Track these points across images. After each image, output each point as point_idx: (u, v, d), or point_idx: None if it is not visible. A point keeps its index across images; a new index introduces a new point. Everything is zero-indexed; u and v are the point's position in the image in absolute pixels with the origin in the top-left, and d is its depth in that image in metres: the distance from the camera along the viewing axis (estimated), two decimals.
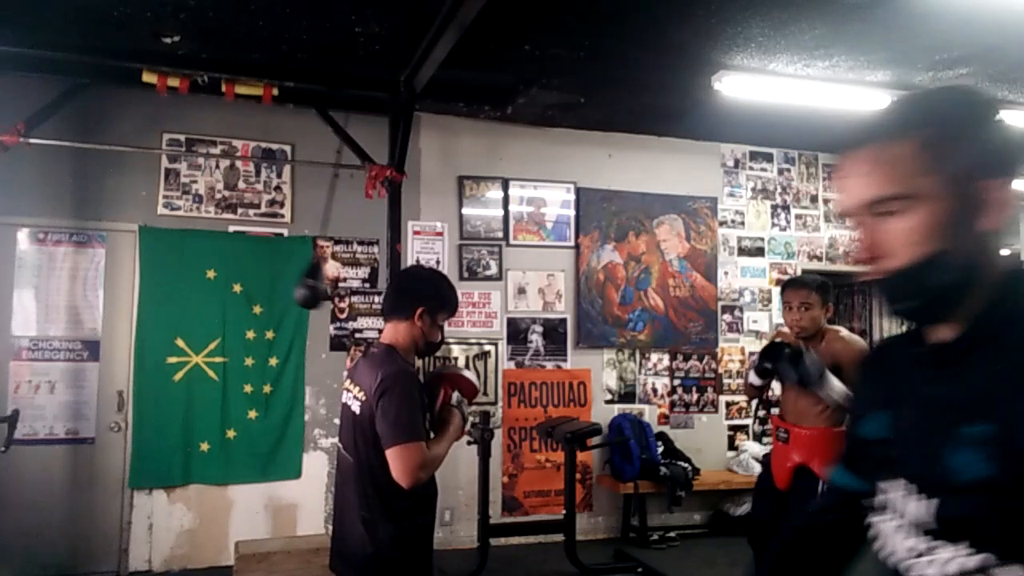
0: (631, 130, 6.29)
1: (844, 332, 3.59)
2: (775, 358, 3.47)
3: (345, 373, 2.56)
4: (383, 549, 2.24)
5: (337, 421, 5.45)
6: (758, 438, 6.52)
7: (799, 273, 6.77)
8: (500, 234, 5.99)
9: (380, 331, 5.49)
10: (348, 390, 2.43)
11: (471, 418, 2.52)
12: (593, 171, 6.24)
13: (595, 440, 5.45)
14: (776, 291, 6.70)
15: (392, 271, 4.98)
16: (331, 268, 5.56)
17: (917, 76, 4.87)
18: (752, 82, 4.87)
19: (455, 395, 2.54)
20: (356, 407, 2.32)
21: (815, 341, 3.55)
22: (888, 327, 7.10)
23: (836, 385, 3.32)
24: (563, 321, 6.09)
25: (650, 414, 6.27)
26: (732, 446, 6.47)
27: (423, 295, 2.42)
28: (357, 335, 5.60)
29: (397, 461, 2.17)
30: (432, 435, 2.41)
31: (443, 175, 5.90)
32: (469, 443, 4.93)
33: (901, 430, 1.08)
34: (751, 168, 6.72)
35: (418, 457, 2.18)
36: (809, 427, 3.55)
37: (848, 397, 3.22)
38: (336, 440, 5.47)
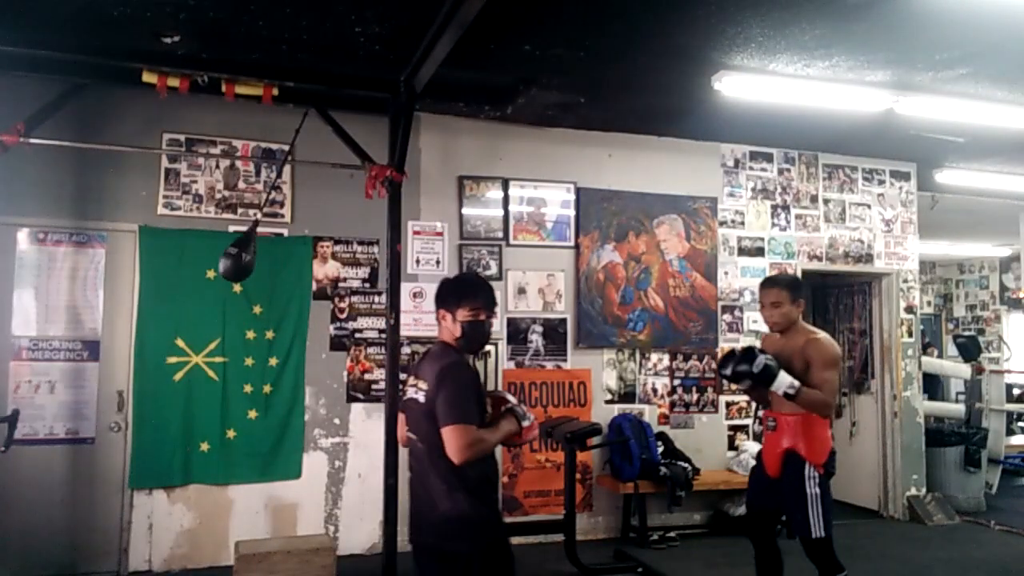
0: (631, 130, 6.29)
1: (822, 335, 3.75)
2: (725, 365, 3.79)
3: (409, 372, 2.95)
4: (463, 517, 2.58)
5: (337, 421, 5.50)
6: (758, 438, 6.51)
7: (799, 273, 6.78)
8: (500, 234, 5.99)
9: (381, 331, 5.55)
10: (413, 385, 2.74)
11: (528, 417, 2.82)
12: (593, 171, 6.24)
13: (595, 440, 5.45)
14: None
15: (392, 271, 4.98)
16: (330, 268, 5.57)
17: (917, 76, 4.87)
18: (752, 82, 4.87)
19: (512, 399, 2.84)
20: (422, 397, 2.64)
21: (792, 337, 3.79)
22: (888, 327, 7.10)
23: (785, 379, 3.54)
24: (563, 321, 6.09)
25: (650, 414, 6.27)
26: (732, 446, 6.47)
27: (439, 298, 2.81)
28: (357, 335, 5.60)
29: (449, 438, 2.51)
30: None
31: (443, 175, 5.90)
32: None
33: None
34: (751, 168, 6.72)
35: (467, 436, 2.51)
36: (795, 413, 3.72)
37: (794, 385, 3.53)
38: (334, 440, 5.50)
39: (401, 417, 2.88)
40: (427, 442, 2.62)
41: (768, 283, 3.95)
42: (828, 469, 3.71)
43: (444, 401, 2.54)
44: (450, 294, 2.79)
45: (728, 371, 3.74)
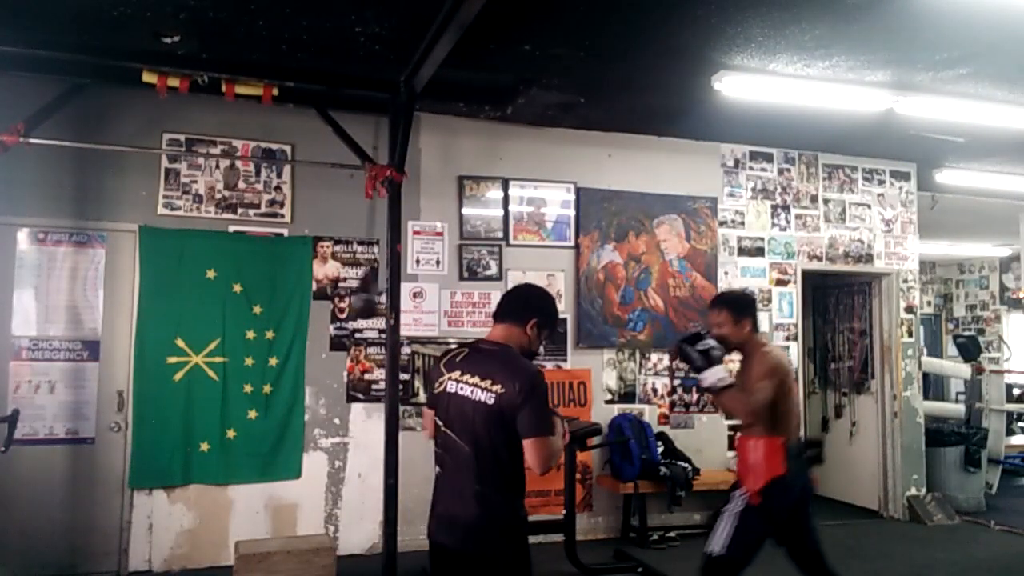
0: (631, 130, 6.29)
1: (767, 349, 3.56)
2: (678, 344, 3.58)
3: (439, 363, 2.76)
4: (498, 519, 2.53)
5: (337, 421, 5.49)
6: None
7: (799, 273, 6.79)
8: (500, 234, 5.99)
9: (381, 331, 5.55)
10: (463, 381, 2.60)
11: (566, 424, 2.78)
12: (593, 171, 6.24)
13: (595, 440, 5.45)
14: (776, 291, 6.72)
15: (392, 271, 4.98)
16: (330, 268, 5.57)
17: (917, 76, 4.87)
18: (752, 82, 4.87)
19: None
20: (487, 397, 2.51)
21: (747, 356, 3.57)
22: (888, 327, 7.10)
23: (715, 372, 3.36)
24: (563, 321, 6.09)
25: (650, 414, 6.27)
26: (732, 446, 6.47)
27: (539, 308, 2.74)
28: (357, 335, 5.60)
29: (538, 450, 2.44)
30: None
31: (443, 175, 5.90)
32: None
33: None
34: (751, 168, 6.72)
35: (555, 448, 2.50)
36: (746, 436, 3.53)
37: (723, 382, 3.34)
38: (334, 440, 5.50)
39: (428, 412, 2.76)
40: (482, 445, 2.51)
41: (711, 303, 3.76)
42: (766, 499, 3.36)
43: (534, 411, 2.45)
44: (551, 311, 2.80)
45: (677, 345, 3.57)
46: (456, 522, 2.57)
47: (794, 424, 3.50)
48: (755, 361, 3.48)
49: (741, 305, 3.64)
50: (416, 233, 5.78)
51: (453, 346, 2.87)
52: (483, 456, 2.50)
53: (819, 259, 6.90)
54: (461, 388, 2.59)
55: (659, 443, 6.03)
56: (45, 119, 4.72)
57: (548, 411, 2.53)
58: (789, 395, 3.44)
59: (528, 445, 2.46)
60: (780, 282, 6.73)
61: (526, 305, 2.74)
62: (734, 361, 3.75)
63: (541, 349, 2.81)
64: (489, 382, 2.53)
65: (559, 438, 2.59)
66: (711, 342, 3.45)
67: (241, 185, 5.44)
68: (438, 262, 5.81)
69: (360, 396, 5.57)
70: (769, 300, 6.68)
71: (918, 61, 4.64)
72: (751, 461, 3.44)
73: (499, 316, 2.74)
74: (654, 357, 6.33)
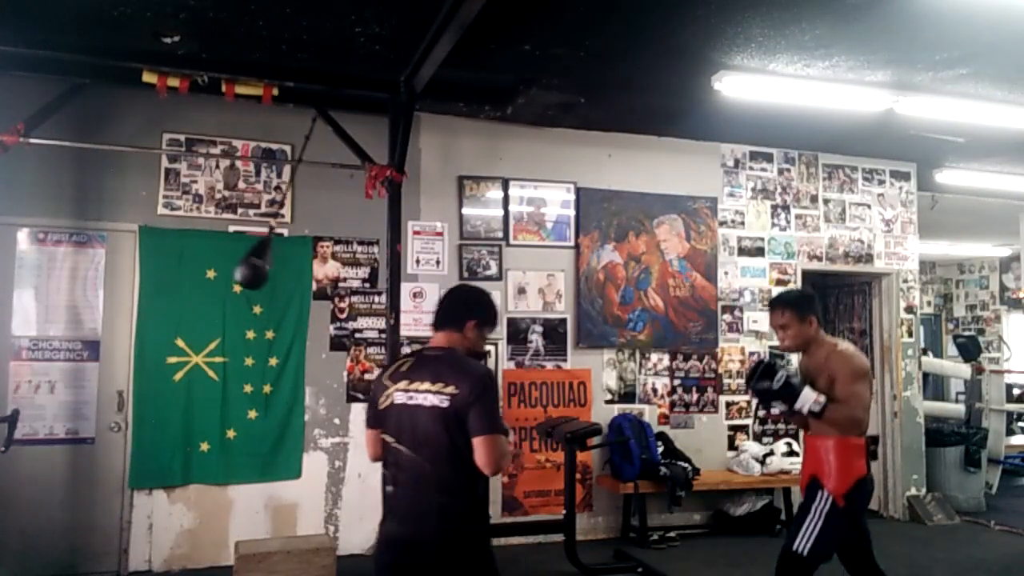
0: (631, 130, 6.29)
1: (844, 346, 3.49)
2: (750, 380, 3.52)
3: (384, 376, 2.67)
4: (462, 532, 2.46)
5: (337, 421, 5.49)
6: (758, 438, 6.52)
7: (799, 273, 6.79)
8: (500, 234, 5.99)
9: (381, 331, 5.55)
10: (412, 390, 2.52)
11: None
12: (593, 171, 6.24)
13: (595, 440, 5.45)
14: (776, 291, 6.70)
15: (392, 271, 4.98)
16: (330, 268, 5.57)
17: (917, 76, 4.87)
18: (752, 82, 4.87)
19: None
20: (440, 401, 2.46)
21: (814, 353, 3.51)
22: (888, 327, 7.10)
23: (809, 396, 3.31)
24: (563, 321, 6.09)
25: (650, 414, 6.26)
26: (732, 446, 6.47)
27: (475, 309, 2.68)
28: (357, 335, 5.60)
29: (489, 448, 2.41)
30: None
31: (443, 175, 5.90)
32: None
33: None
34: (751, 168, 6.72)
35: (504, 447, 2.47)
36: (818, 436, 3.47)
37: (820, 402, 3.29)
38: (334, 440, 5.50)
39: (371, 433, 2.64)
40: (441, 453, 2.44)
41: (771, 305, 3.67)
42: (849, 502, 3.33)
43: (484, 409, 2.42)
44: (488, 310, 2.73)
45: (753, 389, 3.50)
46: (415, 539, 2.47)
47: (868, 421, 3.46)
48: (836, 363, 3.38)
49: (804, 303, 3.53)
50: (416, 233, 5.78)
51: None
52: (443, 465, 2.44)
53: (819, 259, 6.90)
54: (411, 397, 2.51)
55: (659, 443, 6.03)
56: (45, 119, 4.72)
57: (497, 409, 2.50)
58: (871, 394, 3.44)
59: (478, 443, 2.41)
60: (780, 282, 6.72)
61: (461, 309, 2.68)
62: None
63: (487, 348, 2.79)
64: (441, 385, 2.48)
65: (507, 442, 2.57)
66: (787, 370, 3.37)
67: (241, 185, 5.44)
68: (438, 262, 5.81)
69: (360, 396, 5.56)
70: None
71: (918, 61, 4.64)
72: (833, 462, 3.35)
73: (437, 324, 2.68)
74: (654, 357, 6.33)
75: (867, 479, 3.39)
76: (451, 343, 2.62)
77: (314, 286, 5.53)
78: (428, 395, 2.48)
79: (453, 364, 2.53)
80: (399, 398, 2.54)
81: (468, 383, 2.44)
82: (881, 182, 7.16)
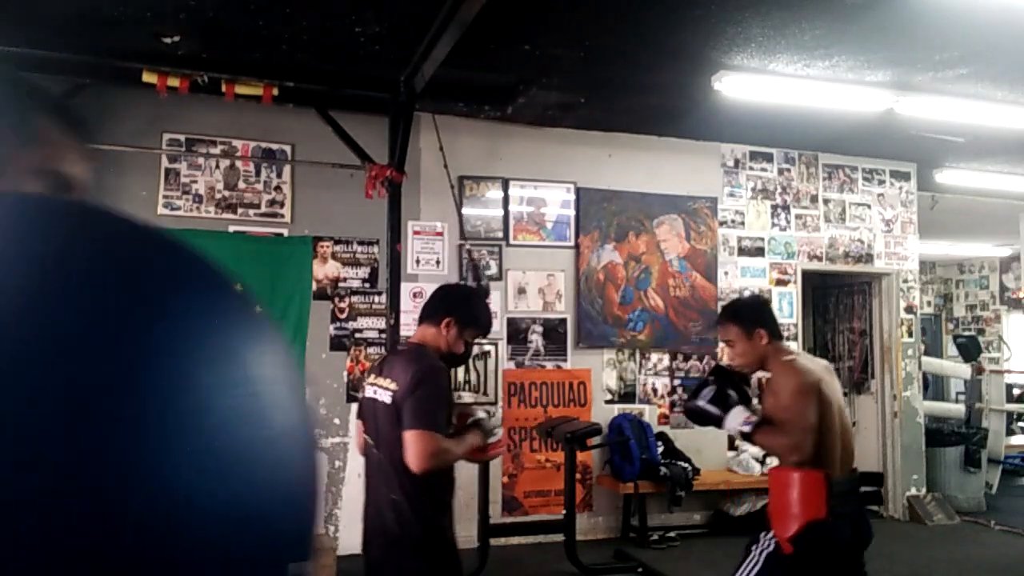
0: (631, 130, 6.29)
1: (788, 359, 2.80)
2: (684, 407, 3.15)
3: (366, 371, 2.72)
4: (412, 534, 2.39)
5: (337, 421, 5.49)
6: None
7: (799, 273, 6.79)
8: (500, 234, 5.99)
9: (381, 331, 5.55)
10: (375, 384, 2.53)
11: (495, 433, 2.64)
12: (593, 171, 6.24)
13: (595, 440, 5.45)
14: (776, 291, 6.71)
15: (392, 271, 4.98)
16: (330, 268, 5.57)
17: (917, 76, 4.87)
18: (752, 82, 4.87)
19: (480, 413, 2.68)
20: (387, 397, 2.44)
21: (770, 370, 2.86)
22: (888, 327, 7.10)
23: (736, 418, 2.78)
24: (563, 321, 6.09)
25: (650, 414, 6.26)
26: (732, 446, 6.47)
27: (454, 307, 2.59)
28: (357, 335, 5.60)
29: (412, 444, 2.30)
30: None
31: (443, 175, 5.90)
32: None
33: None
34: (751, 168, 6.72)
35: (431, 445, 2.31)
36: (778, 468, 2.85)
37: (748, 424, 2.74)
38: (334, 440, 5.49)
39: (357, 423, 2.67)
40: (387, 448, 2.41)
41: (718, 321, 3.07)
42: (800, 550, 2.61)
43: (415, 403, 2.33)
44: (470, 310, 2.61)
45: (684, 408, 3.06)
46: (377, 534, 2.48)
47: (838, 452, 2.72)
48: (776, 378, 2.78)
49: (749, 313, 2.94)
50: (416, 233, 5.78)
51: None
52: (396, 462, 2.36)
53: (819, 259, 6.90)
54: (375, 392, 2.51)
55: (659, 443, 6.03)
56: None
57: (432, 405, 2.36)
58: (827, 415, 2.69)
59: (405, 438, 2.31)
60: (780, 282, 6.73)
61: (439, 304, 2.61)
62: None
63: (470, 350, 2.66)
64: (389, 380, 2.45)
65: (452, 442, 2.44)
66: (713, 388, 2.88)
67: (241, 185, 5.44)
68: (438, 262, 5.81)
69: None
70: (769, 300, 6.68)
71: (918, 61, 4.64)
72: (783, 499, 2.71)
73: (420, 317, 2.65)
74: (654, 357, 6.33)
75: (826, 525, 2.61)
76: (424, 339, 2.56)
77: (314, 286, 5.53)
78: (380, 390, 2.48)
79: (408, 359, 2.48)
80: (368, 392, 2.56)
81: (406, 377, 2.38)
82: (881, 182, 7.16)
